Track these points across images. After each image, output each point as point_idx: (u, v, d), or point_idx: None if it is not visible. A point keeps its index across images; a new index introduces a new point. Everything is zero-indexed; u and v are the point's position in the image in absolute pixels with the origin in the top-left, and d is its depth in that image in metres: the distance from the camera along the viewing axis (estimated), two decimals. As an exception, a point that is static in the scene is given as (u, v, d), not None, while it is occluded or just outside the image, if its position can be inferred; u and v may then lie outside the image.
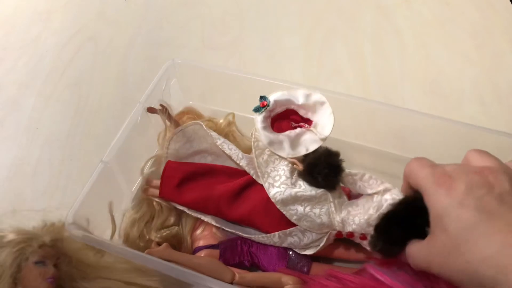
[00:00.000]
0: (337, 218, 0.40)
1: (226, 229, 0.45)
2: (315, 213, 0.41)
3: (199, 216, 0.46)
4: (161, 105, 0.49)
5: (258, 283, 0.42)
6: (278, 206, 0.41)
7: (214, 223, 0.46)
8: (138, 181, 0.53)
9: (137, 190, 0.52)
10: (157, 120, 0.51)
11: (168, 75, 0.54)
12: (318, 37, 0.75)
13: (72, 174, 0.58)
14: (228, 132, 0.52)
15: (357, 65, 0.69)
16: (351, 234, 0.41)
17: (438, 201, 0.30)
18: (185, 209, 0.47)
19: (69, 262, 0.41)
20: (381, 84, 0.66)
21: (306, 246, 0.43)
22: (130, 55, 0.74)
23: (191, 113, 0.54)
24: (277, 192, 0.41)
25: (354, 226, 0.40)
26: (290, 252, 0.44)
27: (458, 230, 0.28)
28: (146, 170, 0.50)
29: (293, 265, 0.44)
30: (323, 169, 0.40)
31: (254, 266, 0.46)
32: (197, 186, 0.46)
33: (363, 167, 0.56)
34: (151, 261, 0.39)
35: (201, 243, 0.46)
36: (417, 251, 0.32)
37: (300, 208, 0.41)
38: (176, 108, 0.53)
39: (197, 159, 0.49)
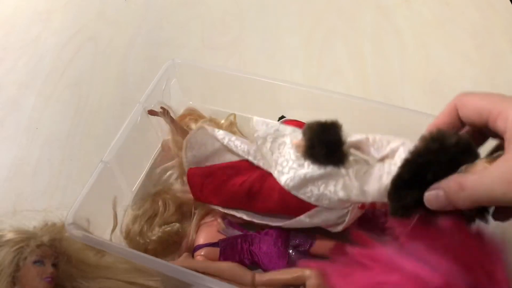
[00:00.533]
0: (354, 191, 0.37)
1: (257, 221, 0.45)
2: (330, 191, 0.38)
3: (232, 213, 0.46)
4: (162, 107, 0.49)
5: (278, 281, 0.42)
6: (292, 193, 0.40)
7: (245, 217, 0.45)
8: (138, 181, 0.53)
9: (138, 189, 0.52)
10: (157, 120, 0.51)
11: (168, 75, 0.54)
12: (318, 37, 0.75)
13: (72, 174, 0.58)
14: (230, 132, 0.52)
15: (357, 65, 0.69)
16: (373, 204, 0.38)
17: None
18: (220, 208, 0.47)
19: (69, 261, 0.41)
20: (381, 84, 0.66)
21: (337, 223, 0.42)
22: (130, 55, 0.74)
23: (193, 114, 0.55)
24: (287, 178, 0.40)
25: (373, 196, 0.37)
26: (290, 251, 0.45)
27: None
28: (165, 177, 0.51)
29: (293, 263, 0.44)
30: (320, 150, 0.38)
31: (254, 265, 0.46)
32: (221, 187, 0.46)
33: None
34: (150, 261, 0.39)
35: (201, 241, 0.46)
36: (478, 180, 0.28)
37: (314, 189, 0.39)
38: (176, 108, 0.53)
39: (216, 159, 0.48)
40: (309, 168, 0.39)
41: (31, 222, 0.46)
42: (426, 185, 0.31)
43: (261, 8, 0.81)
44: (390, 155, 0.37)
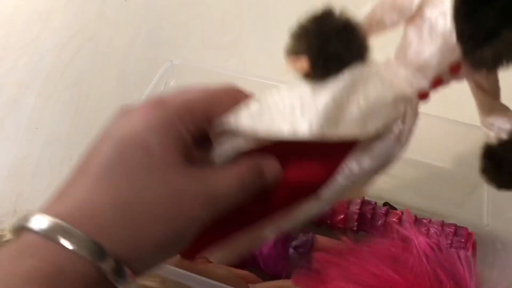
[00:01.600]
0: (403, 74, 0.25)
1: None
2: (373, 97, 0.23)
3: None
4: None
5: None
6: (326, 136, 0.23)
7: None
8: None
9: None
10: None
11: (167, 76, 0.54)
12: (318, 37, 0.74)
13: (72, 174, 0.58)
14: None
15: (357, 65, 0.69)
16: (438, 80, 0.25)
17: None
18: None
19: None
20: (381, 84, 0.66)
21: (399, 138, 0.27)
22: (130, 55, 0.74)
23: None
24: (309, 122, 0.23)
25: (437, 61, 0.24)
26: (291, 251, 0.45)
27: None
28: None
29: (294, 263, 0.44)
30: (333, 56, 0.24)
31: (254, 266, 0.46)
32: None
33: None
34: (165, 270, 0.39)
35: None
36: None
37: (354, 110, 0.23)
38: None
39: None
40: (329, 89, 0.24)
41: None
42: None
43: (261, 8, 0.81)
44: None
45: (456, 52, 0.22)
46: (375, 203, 0.47)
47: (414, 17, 0.24)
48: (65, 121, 0.65)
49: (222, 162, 0.23)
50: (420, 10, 0.24)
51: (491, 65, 0.22)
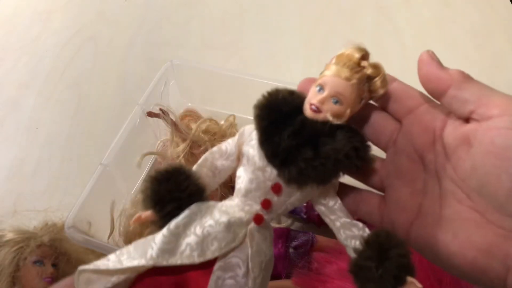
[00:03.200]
0: (237, 202, 0.27)
1: None
2: (207, 223, 0.26)
3: None
4: (160, 109, 0.49)
5: None
6: (165, 264, 0.25)
7: None
8: (137, 183, 0.53)
9: (136, 190, 0.52)
10: (155, 122, 0.51)
11: (167, 76, 0.54)
12: (318, 37, 0.75)
13: (72, 174, 0.58)
14: (230, 133, 0.52)
15: (357, 65, 0.69)
16: (266, 201, 0.26)
17: None
18: None
19: (69, 262, 0.41)
20: (381, 84, 0.66)
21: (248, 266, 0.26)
22: (130, 55, 0.74)
23: (192, 115, 0.55)
24: (142, 259, 0.24)
25: (256, 191, 0.27)
26: (291, 251, 0.45)
27: None
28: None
29: (294, 264, 0.44)
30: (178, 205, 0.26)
31: None
32: None
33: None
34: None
35: None
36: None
37: (191, 238, 0.25)
38: (175, 110, 0.53)
39: None
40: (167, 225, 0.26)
41: (31, 222, 0.46)
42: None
43: (261, 8, 0.81)
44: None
45: (272, 174, 0.26)
46: None
47: (239, 157, 0.28)
48: (65, 121, 0.65)
49: None
50: (239, 149, 0.28)
51: (299, 181, 0.25)
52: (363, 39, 0.83)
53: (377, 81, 0.27)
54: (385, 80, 0.27)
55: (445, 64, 0.29)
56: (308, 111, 0.26)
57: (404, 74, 0.78)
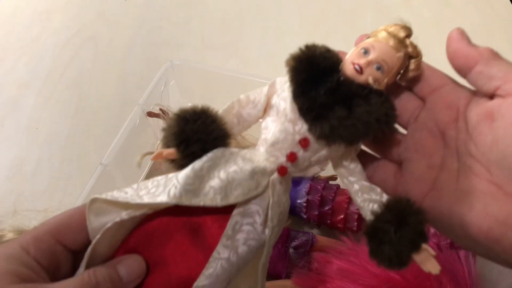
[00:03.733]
0: (262, 152, 0.27)
1: None
2: (232, 169, 0.26)
3: None
4: (160, 109, 0.49)
5: None
6: (188, 203, 0.24)
7: None
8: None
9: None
10: (155, 122, 0.51)
11: (167, 76, 0.54)
12: (318, 37, 0.75)
13: (72, 174, 0.58)
14: None
15: (357, 65, 0.69)
16: (292, 154, 0.26)
17: None
18: None
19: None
20: (381, 84, 0.66)
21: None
22: (130, 55, 0.74)
23: None
24: (165, 195, 0.25)
25: (283, 143, 0.27)
26: (291, 251, 0.45)
27: None
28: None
29: (294, 264, 0.44)
30: (203, 146, 0.26)
31: None
32: None
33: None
34: None
35: None
36: None
37: (215, 181, 0.25)
38: (175, 110, 0.53)
39: None
40: (191, 165, 0.25)
41: (31, 222, 0.46)
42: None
43: (261, 8, 0.81)
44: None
45: (302, 129, 0.26)
46: None
47: (266, 108, 0.28)
48: (65, 121, 0.65)
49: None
50: (268, 101, 0.28)
51: (329, 138, 0.26)
52: (363, 39, 0.81)
53: (414, 62, 0.28)
54: (420, 64, 0.28)
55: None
56: (350, 70, 0.26)
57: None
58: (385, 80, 0.26)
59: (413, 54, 0.27)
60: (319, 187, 0.47)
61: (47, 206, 0.54)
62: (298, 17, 0.79)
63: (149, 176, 0.54)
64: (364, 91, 0.26)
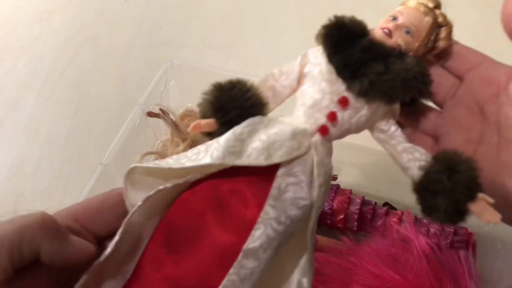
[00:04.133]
0: (301, 114, 0.27)
1: None
2: (273, 132, 0.25)
3: None
4: (160, 109, 0.49)
5: None
6: (231, 163, 0.24)
7: None
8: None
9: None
10: (155, 122, 0.51)
11: (167, 76, 0.54)
12: (318, 37, 0.74)
13: (72, 174, 0.58)
14: None
15: (357, 65, 0.69)
16: (332, 114, 0.26)
17: None
18: None
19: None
20: (381, 84, 0.66)
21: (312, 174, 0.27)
22: (130, 55, 0.74)
23: (192, 115, 0.55)
24: (208, 157, 0.24)
25: (323, 103, 0.27)
26: None
27: None
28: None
29: None
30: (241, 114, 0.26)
31: None
32: None
33: (364, 167, 0.56)
34: None
35: None
36: None
37: (256, 143, 0.25)
38: (175, 110, 0.53)
39: None
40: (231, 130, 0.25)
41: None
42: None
43: (261, 8, 0.81)
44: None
45: (340, 88, 0.26)
46: (375, 203, 0.47)
47: (300, 79, 0.28)
48: (65, 121, 0.65)
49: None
50: (302, 70, 0.28)
51: (369, 94, 0.26)
52: (363, 39, 0.81)
53: (444, 30, 0.29)
54: (451, 32, 0.29)
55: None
56: (379, 34, 0.27)
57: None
58: (416, 45, 0.27)
59: (443, 23, 0.28)
60: None
61: (47, 206, 0.54)
62: (298, 17, 0.79)
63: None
64: (397, 51, 0.27)
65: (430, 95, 0.28)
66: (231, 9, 0.81)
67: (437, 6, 0.29)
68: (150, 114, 0.49)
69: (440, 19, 0.28)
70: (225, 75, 0.55)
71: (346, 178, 0.53)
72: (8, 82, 0.71)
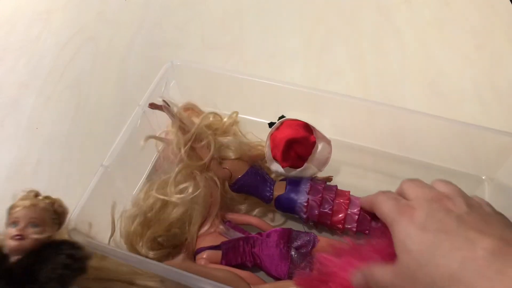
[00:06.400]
0: None
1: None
2: None
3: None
4: (163, 100, 0.48)
5: None
6: None
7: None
8: (138, 185, 0.53)
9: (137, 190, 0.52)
10: (157, 122, 0.51)
11: (167, 77, 0.54)
12: (318, 37, 0.75)
13: (72, 174, 0.58)
14: (233, 130, 0.52)
15: (357, 65, 0.69)
16: None
17: (401, 228, 0.32)
18: None
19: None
20: (381, 85, 0.66)
21: None
22: (130, 55, 0.74)
23: (193, 109, 0.54)
24: None
25: None
26: (293, 253, 0.44)
27: (421, 252, 0.30)
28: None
29: (296, 265, 0.44)
30: None
31: (256, 267, 0.46)
32: None
33: (363, 168, 0.56)
34: (152, 266, 0.39)
35: (203, 244, 0.46)
36: (382, 276, 0.33)
37: None
38: (176, 109, 0.53)
39: None
40: None
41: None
42: None
43: (261, 8, 0.81)
44: None
45: None
46: None
47: None
48: (65, 121, 0.65)
49: None
50: None
51: None
52: (363, 39, 0.84)
53: None
54: None
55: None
56: None
57: (404, 73, 0.78)
58: None
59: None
60: (319, 187, 0.47)
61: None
62: (298, 17, 0.79)
63: (149, 177, 0.54)
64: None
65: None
66: (231, 9, 0.81)
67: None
68: (152, 105, 0.48)
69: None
70: (225, 75, 0.56)
71: (346, 179, 0.53)
72: (8, 82, 0.71)
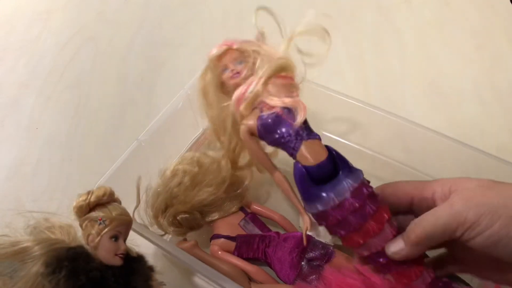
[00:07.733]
0: None
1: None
2: None
3: None
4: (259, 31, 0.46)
5: None
6: None
7: None
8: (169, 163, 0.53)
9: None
10: (197, 106, 0.49)
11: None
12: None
13: (72, 174, 0.58)
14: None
15: (357, 65, 0.69)
16: None
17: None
18: None
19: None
20: (381, 85, 0.66)
21: None
22: (130, 55, 0.74)
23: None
24: None
25: None
26: (303, 263, 0.44)
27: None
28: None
29: (303, 276, 0.43)
30: None
31: (265, 263, 0.46)
32: None
33: (362, 167, 0.56)
34: (166, 245, 0.41)
35: (221, 231, 0.46)
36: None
37: None
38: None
39: None
40: None
41: (31, 222, 0.46)
42: None
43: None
44: None
45: None
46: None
47: None
48: (65, 121, 0.65)
49: None
50: None
51: None
52: (363, 39, 0.83)
53: None
54: None
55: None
56: None
57: (404, 74, 0.78)
58: None
59: None
60: (366, 190, 0.36)
61: (47, 206, 0.54)
62: (298, 17, 0.78)
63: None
64: None
65: None
66: (231, 9, 0.81)
67: None
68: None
69: None
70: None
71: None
72: (8, 82, 0.71)
